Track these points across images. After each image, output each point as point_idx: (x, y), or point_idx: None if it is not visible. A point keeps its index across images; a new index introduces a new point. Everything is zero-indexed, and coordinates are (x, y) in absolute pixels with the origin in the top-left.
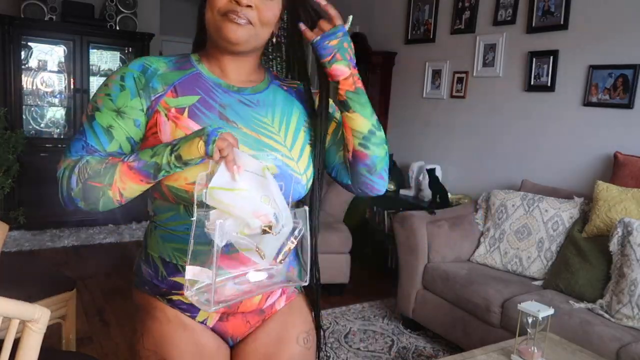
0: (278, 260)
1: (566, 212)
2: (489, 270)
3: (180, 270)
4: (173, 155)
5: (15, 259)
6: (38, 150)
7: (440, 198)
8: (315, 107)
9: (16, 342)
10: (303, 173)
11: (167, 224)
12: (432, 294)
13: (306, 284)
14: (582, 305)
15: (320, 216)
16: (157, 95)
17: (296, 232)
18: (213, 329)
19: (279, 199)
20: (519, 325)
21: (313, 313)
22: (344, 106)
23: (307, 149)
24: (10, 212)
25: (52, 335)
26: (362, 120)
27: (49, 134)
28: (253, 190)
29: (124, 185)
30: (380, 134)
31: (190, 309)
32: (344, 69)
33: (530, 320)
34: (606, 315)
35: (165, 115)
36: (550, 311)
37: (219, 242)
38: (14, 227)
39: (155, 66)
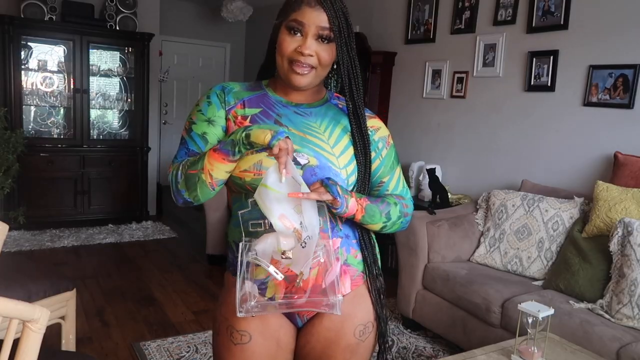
0: (297, 280)
1: (566, 212)
2: (489, 270)
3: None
4: (244, 133)
5: (15, 259)
6: (38, 150)
7: (440, 198)
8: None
9: (16, 342)
10: (343, 168)
11: (236, 212)
12: (432, 294)
13: (337, 313)
14: (582, 305)
15: None
16: (230, 107)
17: (318, 256)
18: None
19: (309, 212)
20: (519, 326)
21: (375, 306)
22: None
23: (350, 150)
24: (10, 212)
25: (52, 335)
26: (373, 226)
27: (49, 134)
28: (289, 197)
29: (212, 167)
30: (393, 222)
31: (260, 287)
32: (352, 208)
33: (530, 320)
34: (606, 315)
35: (234, 122)
36: (550, 311)
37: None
38: (14, 227)
39: (231, 87)
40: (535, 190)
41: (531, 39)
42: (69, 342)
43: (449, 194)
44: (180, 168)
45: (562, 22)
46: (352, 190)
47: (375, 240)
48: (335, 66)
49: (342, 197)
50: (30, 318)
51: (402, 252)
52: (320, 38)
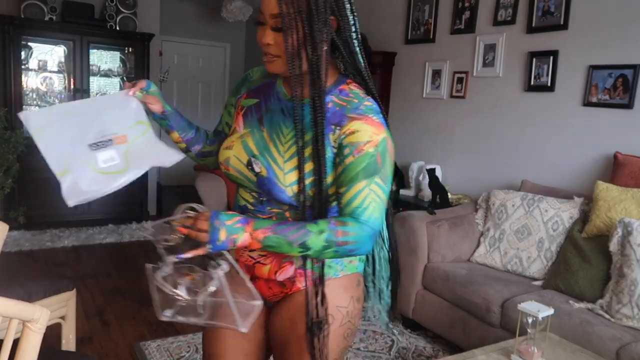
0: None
1: (566, 212)
2: (489, 270)
3: None
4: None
5: (15, 259)
6: (38, 150)
7: (440, 198)
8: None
9: (16, 342)
10: (288, 186)
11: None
12: (432, 294)
13: (243, 330)
14: (582, 305)
15: None
16: (239, 96)
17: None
18: None
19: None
20: (519, 325)
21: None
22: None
23: (307, 166)
24: (10, 212)
25: (52, 335)
26: (289, 254)
27: None
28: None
29: None
30: (318, 250)
31: (242, 267)
32: (244, 239)
33: (530, 320)
34: (606, 315)
35: (237, 110)
36: (550, 311)
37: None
38: (14, 227)
39: (251, 75)
40: (535, 190)
41: (531, 39)
42: (69, 342)
43: (449, 194)
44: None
45: (562, 22)
46: (253, 219)
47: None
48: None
49: (215, 241)
50: (30, 318)
51: (402, 252)
52: (274, 28)
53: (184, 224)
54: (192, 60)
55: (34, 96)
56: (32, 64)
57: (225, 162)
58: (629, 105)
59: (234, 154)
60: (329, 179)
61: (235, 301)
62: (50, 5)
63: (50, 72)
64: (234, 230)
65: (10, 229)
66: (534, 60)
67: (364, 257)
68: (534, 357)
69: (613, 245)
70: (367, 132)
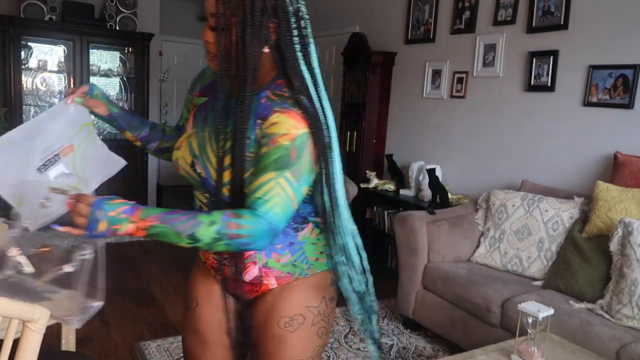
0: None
1: (566, 212)
2: (489, 270)
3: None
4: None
5: None
6: None
7: (440, 198)
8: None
9: (16, 342)
10: (224, 185)
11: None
12: (432, 294)
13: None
14: (582, 305)
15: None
16: (193, 94)
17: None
18: (222, 284)
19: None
20: (519, 326)
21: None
22: None
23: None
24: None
25: (51, 335)
26: (178, 245)
27: None
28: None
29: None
30: (208, 243)
31: (210, 269)
32: (127, 229)
33: (530, 320)
34: (606, 316)
35: (189, 110)
36: (550, 311)
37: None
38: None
39: (206, 71)
40: (535, 190)
41: (531, 39)
42: (69, 342)
43: (449, 194)
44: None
45: (562, 22)
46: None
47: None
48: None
49: (92, 230)
50: (30, 318)
51: (402, 252)
52: (212, 27)
53: (69, 196)
54: (192, 60)
55: (34, 96)
56: (32, 63)
57: (175, 162)
58: (629, 105)
59: (181, 155)
60: (248, 174)
61: (78, 293)
62: (50, 5)
63: (50, 72)
64: (116, 221)
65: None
66: (534, 60)
67: (332, 254)
68: (534, 357)
69: (613, 245)
70: (286, 125)
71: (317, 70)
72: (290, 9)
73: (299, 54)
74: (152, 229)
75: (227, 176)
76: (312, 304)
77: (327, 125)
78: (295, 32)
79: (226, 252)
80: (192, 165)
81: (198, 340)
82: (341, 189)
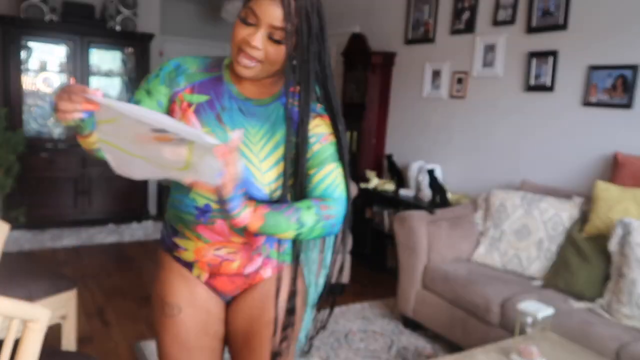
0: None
1: (566, 212)
2: (489, 270)
3: (177, 233)
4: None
5: (15, 259)
6: (38, 150)
7: (440, 198)
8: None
9: (16, 342)
10: (267, 184)
11: (172, 194)
12: (432, 293)
13: None
14: (582, 304)
15: None
16: (177, 89)
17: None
18: (206, 284)
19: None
20: (518, 325)
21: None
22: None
23: (280, 166)
24: (11, 212)
25: (52, 335)
26: (283, 235)
27: (49, 134)
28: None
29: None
30: (310, 227)
31: (188, 265)
32: (245, 213)
33: (529, 319)
34: (606, 315)
35: (179, 106)
36: (550, 311)
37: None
38: (14, 227)
39: (187, 66)
40: (535, 190)
41: (531, 39)
42: (69, 341)
43: (448, 193)
44: None
45: (561, 22)
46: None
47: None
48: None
49: (238, 201)
50: (30, 318)
51: (402, 252)
52: (271, 37)
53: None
54: None
55: (34, 96)
56: (33, 64)
57: None
58: (628, 105)
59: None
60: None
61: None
62: (50, 5)
63: (51, 72)
64: (241, 203)
65: (11, 229)
66: (534, 60)
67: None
68: (533, 357)
69: (613, 245)
70: (328, 127)
71: (331, 89)
72: (326, 36)
73: (330, 73)
74: (268, 216)
75: (271, 176)
76: (302, 287)
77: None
78: (325, 59)
79: (235, 246)
80: None
81: (181, 348)
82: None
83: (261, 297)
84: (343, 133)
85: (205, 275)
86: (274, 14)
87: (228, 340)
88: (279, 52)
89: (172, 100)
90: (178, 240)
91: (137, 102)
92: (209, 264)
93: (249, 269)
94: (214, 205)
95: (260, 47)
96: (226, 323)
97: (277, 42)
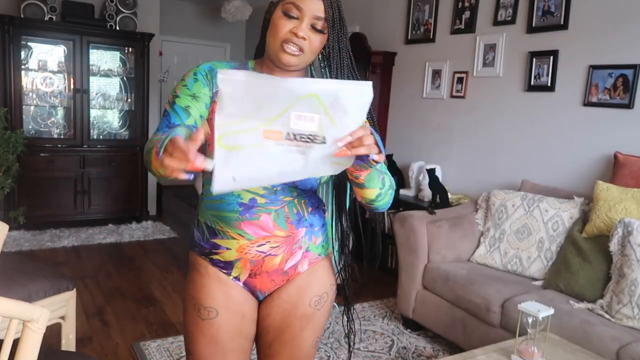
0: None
1: (566, 212)
2: (489, 270)
3: (217, 234)
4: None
5: (15, 259)
6: (38, 150)
7: (440, 198)
8: None
9: (16, 342)
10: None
11: (207, 195)
12: (432, 294)
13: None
14: (582, 305)
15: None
16: (216, 89)
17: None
18: (244, 284)
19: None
20: (519, 326)
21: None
22: (355, 184)
23: None
24: (10, 212)
25: (52, 335)
26: (370, 191)
27: (49, 134)
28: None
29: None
30: (386, 190)
31: (226, 267)
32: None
33: (530, 320)
34: (606, 315)
35: (208, 107)
36: (550, 311)
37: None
38: (14, 227)
39: (218, 68)
40: (535, 190)
41: (531, 39)
42: (69, 342)
43: (449, 194)
44: (152, 139)
45: (562, 22)
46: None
47: (347, 228)
48: (320, 56)
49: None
50: (30, 318)
51: (402, 252)
52: (314, 27)
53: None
54: (192, 60)
55: (34, 96)
56: (32, 63)
57: None
58: (629, 105)
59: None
60: None
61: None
62: (50, 5)
63: (50, 72)
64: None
65: (10, 229)
66: (534, 60)
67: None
68: (534, 357)
69: (613, 245)
70: None
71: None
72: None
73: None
74: (374, 168)
75: None
76: (333, 281)
77: None
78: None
79: (278, 240)
80: None
81: (216, 350)
82: None
83: (297, 291)
84: (374, 121)
85: (245, 275)
86: (315, 6)
87: (257, 335)
88: (322, 41)
89: (213, 100)
90: (219, 241)
91: (185, 109)
92: (251, 261)
93: (290, 263)
94: (260, 200)
95: (307, 37)
96: (259, 319)
97: (320, 31)
